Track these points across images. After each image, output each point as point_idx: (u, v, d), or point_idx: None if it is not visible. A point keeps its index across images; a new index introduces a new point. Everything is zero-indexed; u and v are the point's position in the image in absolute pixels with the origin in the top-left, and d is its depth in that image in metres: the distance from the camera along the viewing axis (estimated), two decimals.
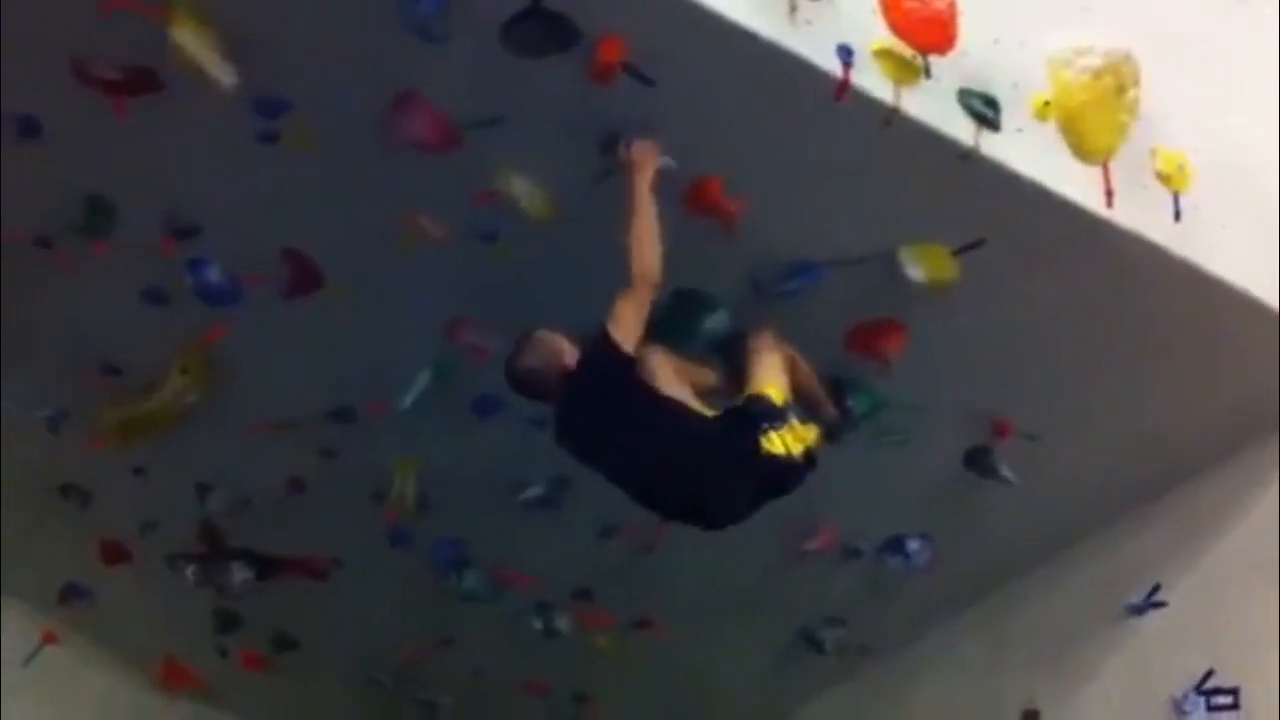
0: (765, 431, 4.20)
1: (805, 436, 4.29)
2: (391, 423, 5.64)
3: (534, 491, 6.01)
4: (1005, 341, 5.06)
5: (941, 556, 6.13)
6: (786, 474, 4.26)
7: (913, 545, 6.12)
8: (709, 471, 4.18)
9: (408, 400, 5.51)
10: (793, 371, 4.61)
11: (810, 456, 4.30)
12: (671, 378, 4.36)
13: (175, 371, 5.63)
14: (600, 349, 4.15)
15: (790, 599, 6.56)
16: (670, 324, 4.59)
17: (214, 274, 5.08)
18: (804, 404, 4.64)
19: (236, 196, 4.83)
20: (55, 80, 4.33)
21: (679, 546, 6.12)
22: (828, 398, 5.01)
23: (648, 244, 4.16)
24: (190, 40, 4.04)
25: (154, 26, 4.03)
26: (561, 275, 4.65)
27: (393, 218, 4.75)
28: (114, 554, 6.80)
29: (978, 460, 5.67)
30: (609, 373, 4.15)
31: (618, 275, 4.15)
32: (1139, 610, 5.78)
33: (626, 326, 4.13)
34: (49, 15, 4.15)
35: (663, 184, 4.30)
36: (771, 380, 4.43)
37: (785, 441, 4.21)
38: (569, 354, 4.20)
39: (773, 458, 4.18)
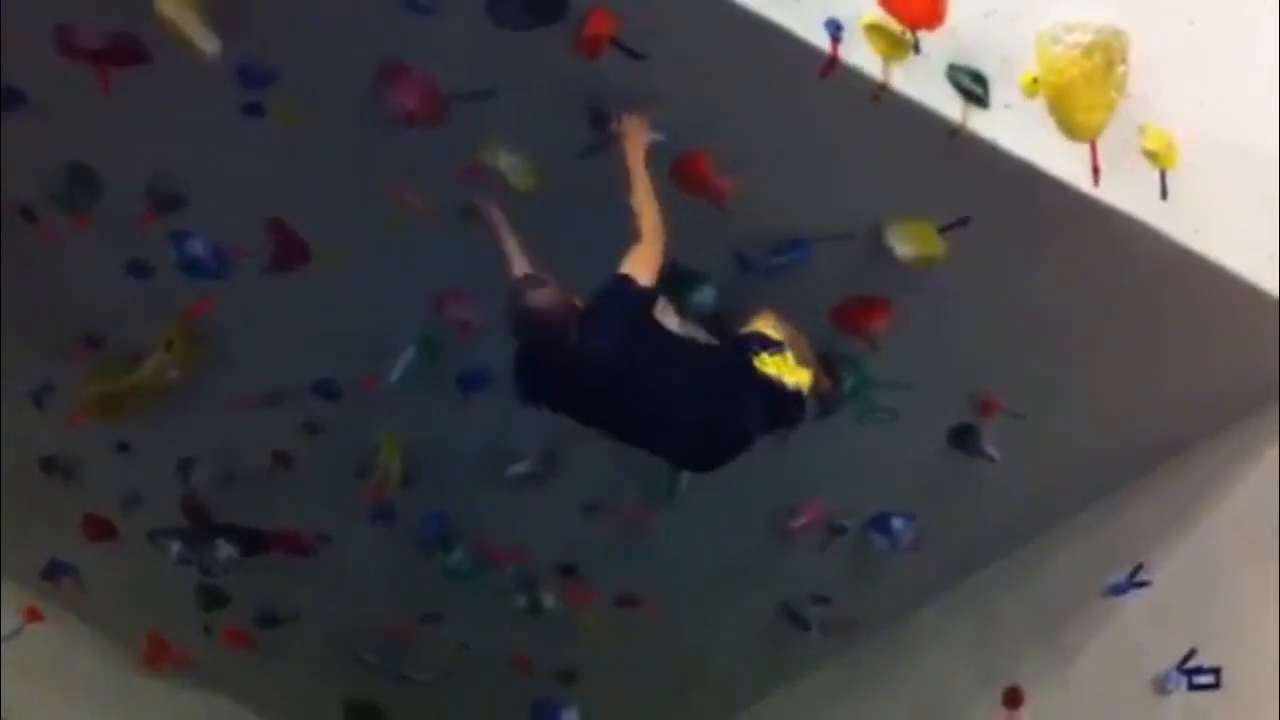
0: (757, 354, 4.20)
1: (799, 374, 4.26)
2: (377, 397, 5.63)
3: (521, 467, 5.99)
4: (992, 319, 5.06)
5: (926, 535, 6.12)
6: (785, 398, 4.23)
7: (897, 523, 6.09)
8: (713, 393, 4.13)
9: (394, 375, 5.50)
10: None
11: (801, 397, 4.29)
12: (677, 322, 4.36)
13: (160, 346, 5.61)
14: (616, 286, 4.08)
15: (775, 576, 6.55)
16: None
17: (198, 247, 5.07)
18: None
19: (222, 168, 4.81)
20: (39, 50, 4.30)
21: (665, 523, 6.14)
22: (822, 371, 4.98)
23: (651, 204, 4.14)
24: (174, 8, 4.02)
25: None
26: (548, 250, 4.62)
27: (379, 191, 4.73)
28: (98, 530, 6.76)
29: (963, 438, 5.67)
30: (626, 307, 4.07)
31: (604, 249, 4.11)
32: (1121, 590, 5.78)
33: (641, 269, 4.09)
34: None
35: (651, 159, 4.27)
36: (769, 323, 4.40)
37: (779, 367, 4.20)
38: (577, 297, 4.08)
39: (767, 378, 4.17)
